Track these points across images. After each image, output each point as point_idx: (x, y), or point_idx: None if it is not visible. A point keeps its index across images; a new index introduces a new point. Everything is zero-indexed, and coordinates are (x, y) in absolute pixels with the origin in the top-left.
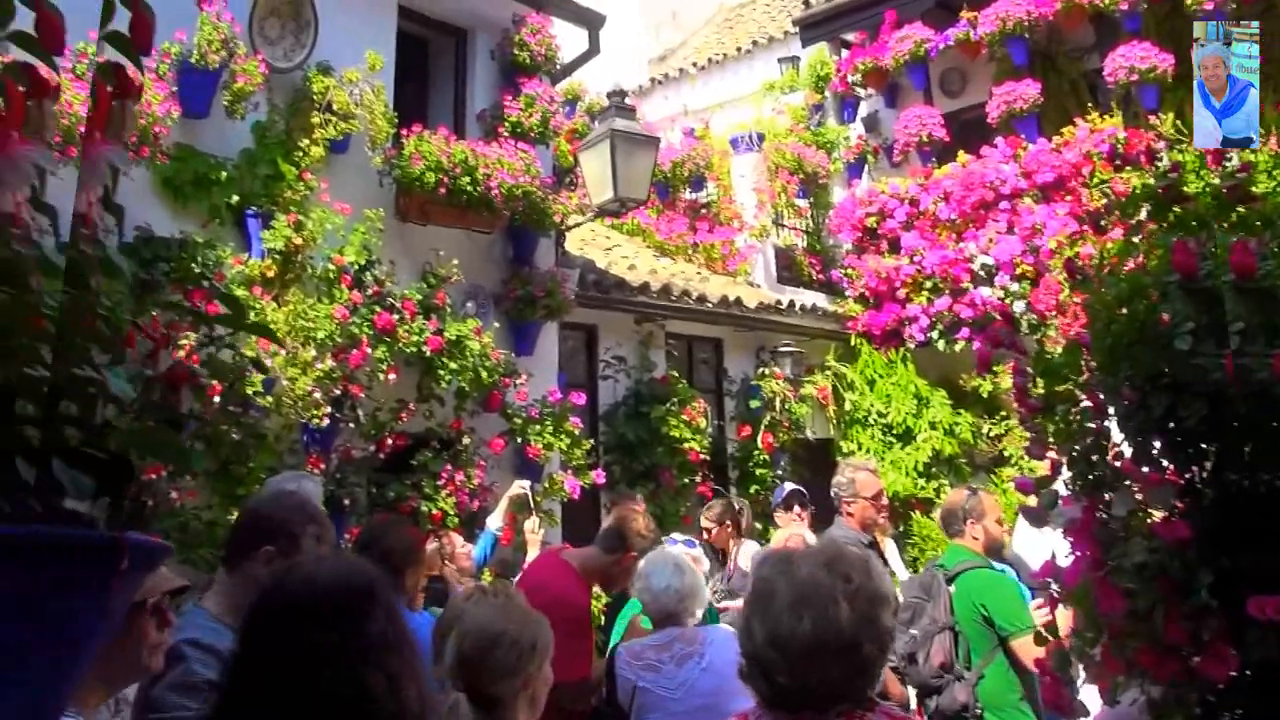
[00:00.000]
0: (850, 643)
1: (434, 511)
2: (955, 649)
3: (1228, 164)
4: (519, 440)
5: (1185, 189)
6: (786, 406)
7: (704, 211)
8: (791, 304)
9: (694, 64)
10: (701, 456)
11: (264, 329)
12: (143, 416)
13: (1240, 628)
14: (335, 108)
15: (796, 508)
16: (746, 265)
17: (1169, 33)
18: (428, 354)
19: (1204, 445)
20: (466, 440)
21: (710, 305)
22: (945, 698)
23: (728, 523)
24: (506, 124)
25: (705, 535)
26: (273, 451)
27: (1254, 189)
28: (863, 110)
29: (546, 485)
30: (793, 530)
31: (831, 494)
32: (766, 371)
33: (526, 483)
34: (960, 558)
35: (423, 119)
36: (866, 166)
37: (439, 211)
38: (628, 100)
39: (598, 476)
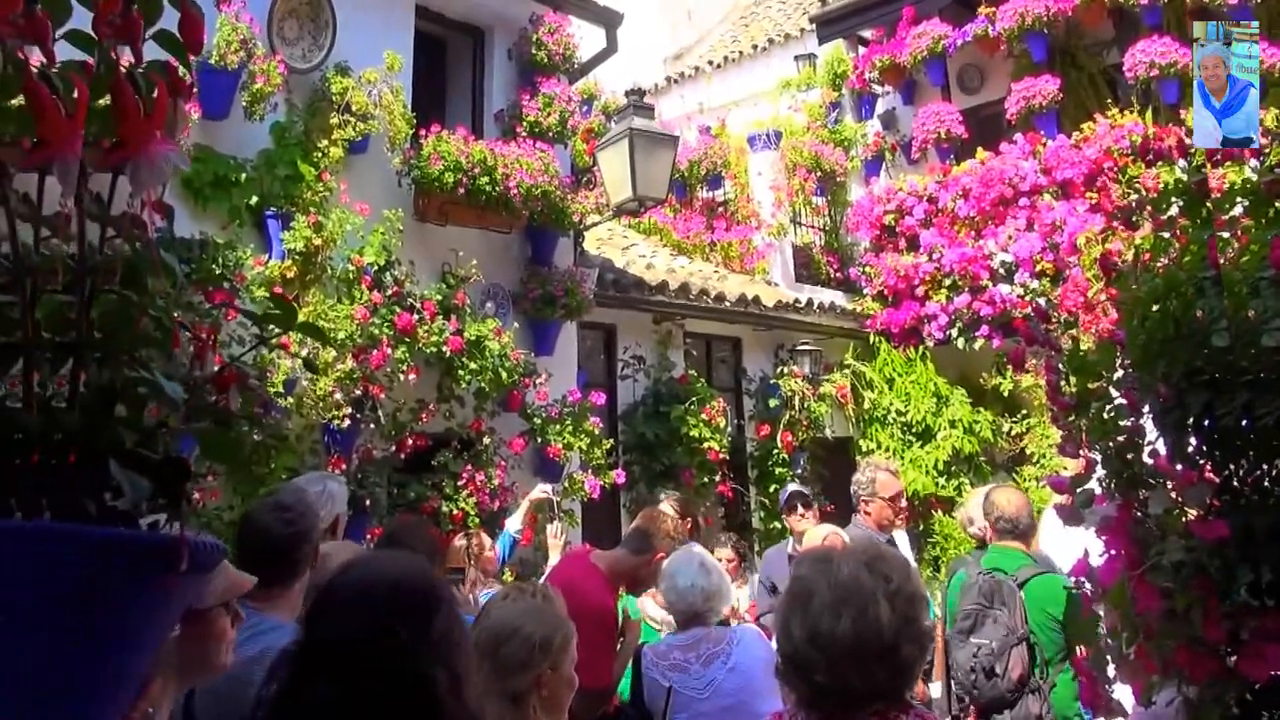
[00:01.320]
0: (891, 644)
1: (455, 512)
2: (1032, 659)
3: (1266, 158)
4: (539, 440)
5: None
6: (805, 405)
7: (721, 210)
8: (809, 302)
9: (710, 62)
10: (721, 456)
11: (315, 330)
12: (194, 418)
13: None
14: (354, 108)
15: (800, 508)
16: (764, 264)
17: (1190, 27)
18: (448, 354)
19: (1240, 443)
20: (487, 440)
21: (728, 304)
22: (1019, 710)
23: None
24: (524, 123)
25: None
26: (294, 452)
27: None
28: (880, 107)
29: (567, 485)
30: (831, 529)
31: (851, 492)
32: (785, 370)
33: (549, 486)
34: (1020, 562)
35: (441, 119)
36: (884, 164)
37: (458, 211)
38: (645, 99)
39: (618, 476)
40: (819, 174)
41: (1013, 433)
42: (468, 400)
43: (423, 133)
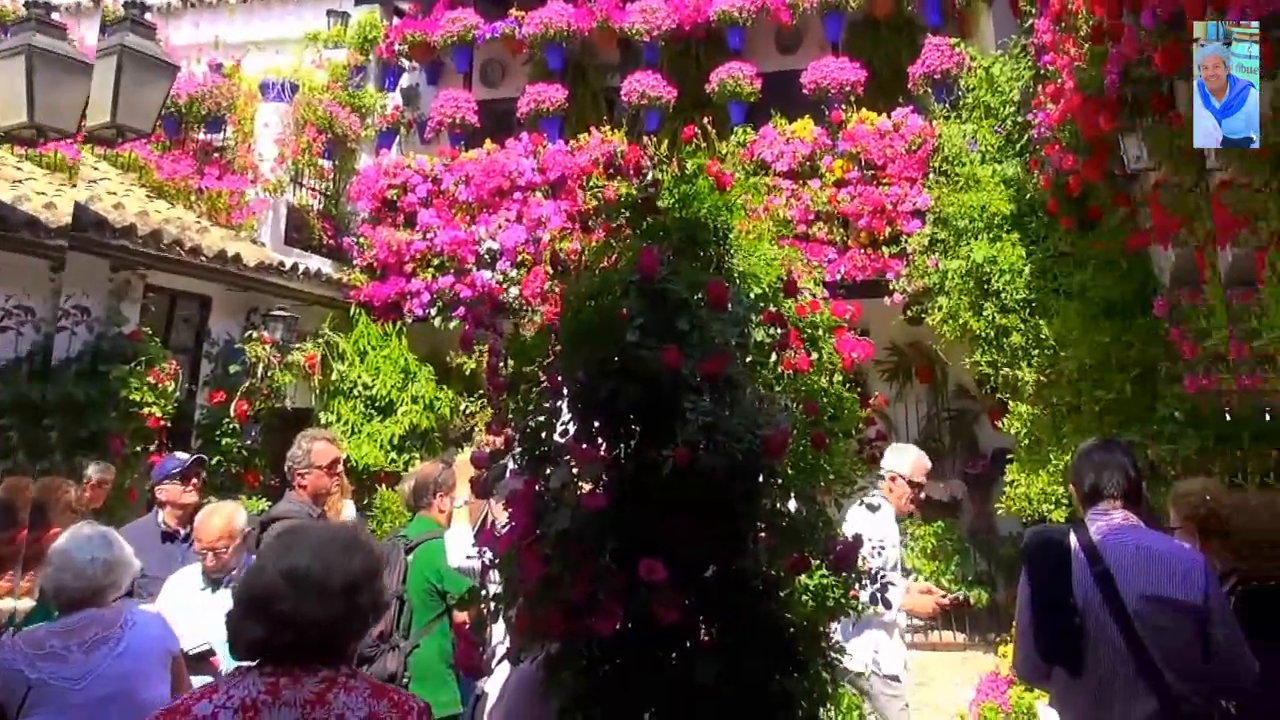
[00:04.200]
0: (354, 584)
1: None
2: (398, 618)
3: (644, 177)
4: None
5: (659, 203)
6: (269, 373)
7: (216, 156)
8: (295, 267)
9: None
10: (162, 422)
11: None
12: None
13: (634, 588)
14: None
15: (178, 483)
16: (254, 220)
17: (676, 70)
18: None
19: (634, 425)
20: None
21: (204, 259)
22: (377, 666)
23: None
24: None
25: None
26: None
27: (659, 203)
28: (404, 81)
29: None
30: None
31: (286, 467)
32: (254, 335)
33: None
34: (424, 528)
35: None
36: (398, 138)
37: None
38: (148, 16)
39: None
40: (330, 136)
41: (468, 410)
42: None
43: None
